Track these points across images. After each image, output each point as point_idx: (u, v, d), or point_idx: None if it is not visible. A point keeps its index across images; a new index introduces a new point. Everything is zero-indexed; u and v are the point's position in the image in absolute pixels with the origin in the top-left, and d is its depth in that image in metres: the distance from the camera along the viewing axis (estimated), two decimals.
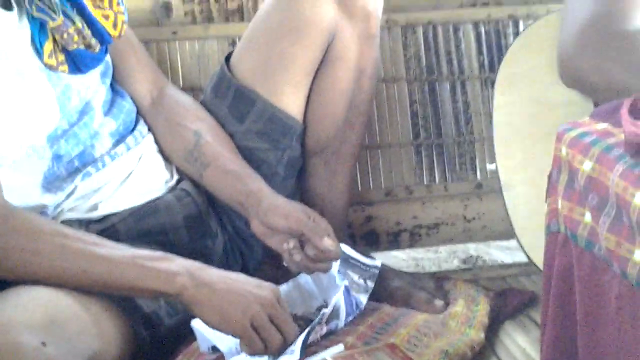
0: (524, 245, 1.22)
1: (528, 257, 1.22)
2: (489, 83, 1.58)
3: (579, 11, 1.07)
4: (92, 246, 1.03)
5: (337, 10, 1.27)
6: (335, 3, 1.26)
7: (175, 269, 1.03)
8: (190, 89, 1.46)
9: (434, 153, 1.56)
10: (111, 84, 1.29)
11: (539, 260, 1.10)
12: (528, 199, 1.22)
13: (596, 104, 1.18)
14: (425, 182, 1.56)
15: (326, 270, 1.15)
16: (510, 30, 1.59)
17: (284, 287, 1.19)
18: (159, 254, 1.06)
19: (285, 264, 1.17)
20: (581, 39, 1.03)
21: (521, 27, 1.59)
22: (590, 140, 0.88)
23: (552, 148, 1.17)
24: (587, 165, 0.86)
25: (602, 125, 0.90)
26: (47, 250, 1.00)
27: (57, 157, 1.18)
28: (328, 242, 1.12)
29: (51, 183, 1.18)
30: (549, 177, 0.95)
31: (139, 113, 1.32)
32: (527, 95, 1.25)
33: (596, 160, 0.85)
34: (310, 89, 1.32)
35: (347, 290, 1.14)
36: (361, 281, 1.19)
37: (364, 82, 1.34)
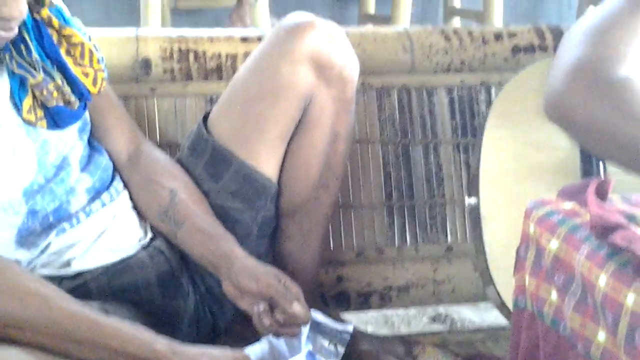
0: (496, 281, 1.23)
1: (499, 295, 1.23)
2: (461, 147, 1.61)
3: (569, 54, 1.09)
4: (74, 305, 1.04)
5: (314, 75, 1.29)
6: (313, 68, 1.29)
7: (155, 337, 1.04)
8: (167, 146, 1.47)
9: (406, 215, 1.58)
10: (88, 140, 1.30)
11: (508, 299, 1.11)
12: (505, 236, 1.23)
13: (581, 149, 1.21)
14: (396, 244, 1.57)
15: (294, 334, 1.16)
16: (482, 96, 1.62)
17: (256, 348, 1.19)
18: (137, 324, 1.07)
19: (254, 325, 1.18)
20: (569, 78, 1.05)
21: (493, 93, 1.62)
22: (557, 220, 0.90)
23: (535, 188, 1.20)
24: (554, 244, 0.89)
25: (569, 205, 0.93)
26: (33, 304, 1.01)
27: (32, 213, 1.19)
28: (297, 308, 1.13)
29: (25, 238, 1.18)
30: (517, 252, 0.97)
31: (115, 169, 1.33)
32: (516, 134, 1.27)
33: (563, 239, 0.88)
34: (286, 151, 1.34)
35: (311, 355, 1.15)
36: (331, 347, 1.20)
37: (339, 145, 1.36)
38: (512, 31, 1.62)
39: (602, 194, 0.90)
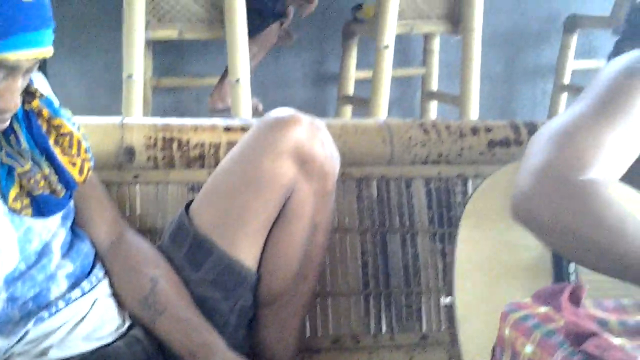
0: None
1: None
2: (437, 237, 1.63)
3: (536, 158, 1.13)
4: None
5: (296, 169, 1.32)
6: (295, 162, 1.32)
7: None
8: (148, 232, 1.49)
9: (382, 303, 1.60)
10: (71, 226, 1.32)
11: None
12: (481, 335, 1.23)
13: (552, 252, 1.23)
14: (372, 332, 1.58)
15: None
16: (459, 188, 1.66)
17: None
18: None
19: None
20: (535, 181, 1.09)
21: (469, 185, 1.66)
22: (532, 324, 0.92)
23: (509, 288, 1.22)
24: (528, 349, 0.91)
25: (544, 309, 0.95)
26: None
27: (12, 299, 1.19)
28: None
29: (4, 326, 1.18)
30: (493, 351, 0.99)
31: (96, 256, 1.34)
32: (489, 234, 1.29)
33: (537, 344, 0.90)
34: (266, 241, 1.36)
35: None
36: None
37: (318, 237, 1.39)
38: (489, 125, 1.67)
39: (575, 299, 0.93)
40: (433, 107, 3.34)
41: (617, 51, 1.33)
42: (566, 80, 3.32)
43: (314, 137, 1.32)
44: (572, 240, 1.05)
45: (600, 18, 3.12)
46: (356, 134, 1.61)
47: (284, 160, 1.31)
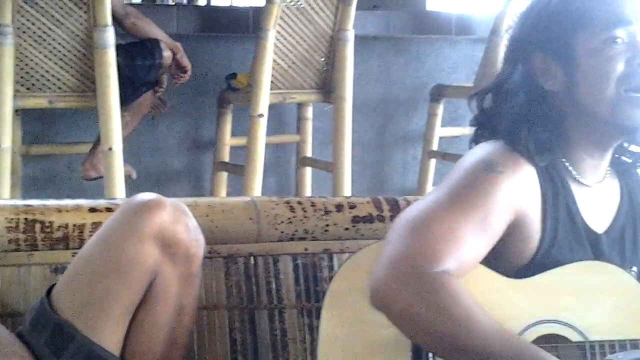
0: None
1: None
2: (305, 312, 1.66)
3: (393, 245, 1.19)
4: None
5: (160, 253, 1.33)
6: (159, 246, 1.33)
7: None
8: (9, 316, 1.45)
9: None
10: None
11: None
12: None
13: None
14: None
15: None
16: (325, 263, 1.69)
17: None
18: None
19: None
20: (389, 269, 1.16)
21: (335, 260, 1.70)
22: None
23: None
24: None
25: None
26: None
27: None
28: None
29: None
30: None
31: None
32: (352, 313, 1.33)
33: None
34: (130, 324, 1.36)
35: None
36: None
37: (183, 318, 1.39)
38: (352, 202, 1.72)
39: None
40: (308, 172, 3.40)
41: (475, 139, 1.42)
42: (434, 146, 3.44)
43: (178, 221, 1.34)
44: (422, 331, 1.12)
45: (464, 88, 3.26)
46: (223, 213, 1.63)
47: (147, 244, 1.32)
